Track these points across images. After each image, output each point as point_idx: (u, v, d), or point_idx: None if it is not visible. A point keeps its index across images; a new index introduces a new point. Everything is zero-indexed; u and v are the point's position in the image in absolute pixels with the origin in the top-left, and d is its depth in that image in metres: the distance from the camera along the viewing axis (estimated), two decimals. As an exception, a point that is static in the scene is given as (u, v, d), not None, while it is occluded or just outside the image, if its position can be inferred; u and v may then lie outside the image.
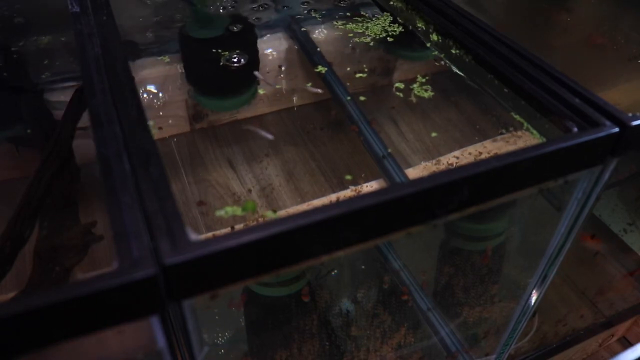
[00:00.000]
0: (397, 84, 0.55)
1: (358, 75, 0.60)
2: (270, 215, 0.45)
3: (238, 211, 0.40)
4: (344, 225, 0.27)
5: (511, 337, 0.61)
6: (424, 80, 0.57)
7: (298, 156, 0.60)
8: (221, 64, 0.59)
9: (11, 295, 0.37)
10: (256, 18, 0.69)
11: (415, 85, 0.55)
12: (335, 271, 0.57)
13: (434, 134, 0.59)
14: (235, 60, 0.59)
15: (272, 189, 0.55)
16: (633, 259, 0.79)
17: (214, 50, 0.60)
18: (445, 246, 0.61)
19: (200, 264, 0.24)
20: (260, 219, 0.44)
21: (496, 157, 0.31)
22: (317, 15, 0.70)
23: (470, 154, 0.52)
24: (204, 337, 0.56)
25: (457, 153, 0.53)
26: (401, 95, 0.55)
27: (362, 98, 0.59)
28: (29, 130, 0.52)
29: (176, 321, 0.29)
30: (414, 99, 0.53)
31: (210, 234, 0.44)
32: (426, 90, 0.55)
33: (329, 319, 0.57)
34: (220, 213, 0.37)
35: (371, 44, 0.61)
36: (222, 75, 0.60)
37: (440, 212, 0.31)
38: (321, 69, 0.61)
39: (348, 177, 0.55)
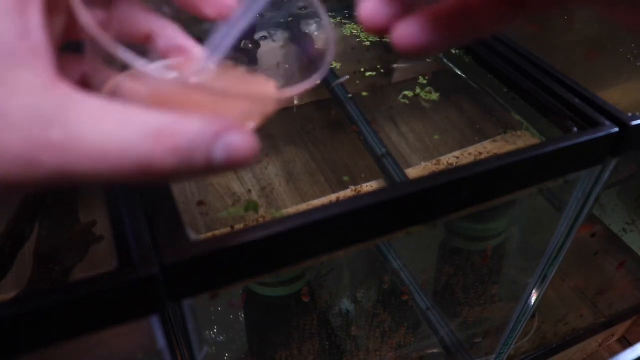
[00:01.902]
0: (404, 92, 0.55)
1: (368, 74, 0.60)
2: (274, 213, 0.45)
3: (241, 212, 0.40)
4: (344, 225, 0.27)
5: (511, 337, 0.61)
6: (425, 81, 0.57)
7: (298, 156, 0.60)
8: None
9: (11, 295, 0.37)
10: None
11: (418, 89, 0.55)
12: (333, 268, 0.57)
13: (434, 135, 0.59)
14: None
15: (272, 189, 0.54)
16: (633, 258, 0.79)
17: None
18: (445, 246, 0.61)
19: (200, 264, 0.24)
20: (261, 219, 0.44)
21: (496, 157, 0.31)
22: (317, 15, 0.70)
23: (470, 154, 0.52)
24: (204, 337, 0.56)
25: (457, 153, 0.53)
26: (407, 102, 0.55)
27: (364, 93, 0.59)
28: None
29: (176, 321, 0.29)
30: (424, 104, 0.53)
31: (210, 234, 0.44)
32: (430, 92, 0.55)
33: (329, 318, 0.57)
34: (223, 214, 0.37)
35: (371, 44, 0.61)
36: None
37: (440, 212, 0.31)
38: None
39: (346, 178, 0.55)
